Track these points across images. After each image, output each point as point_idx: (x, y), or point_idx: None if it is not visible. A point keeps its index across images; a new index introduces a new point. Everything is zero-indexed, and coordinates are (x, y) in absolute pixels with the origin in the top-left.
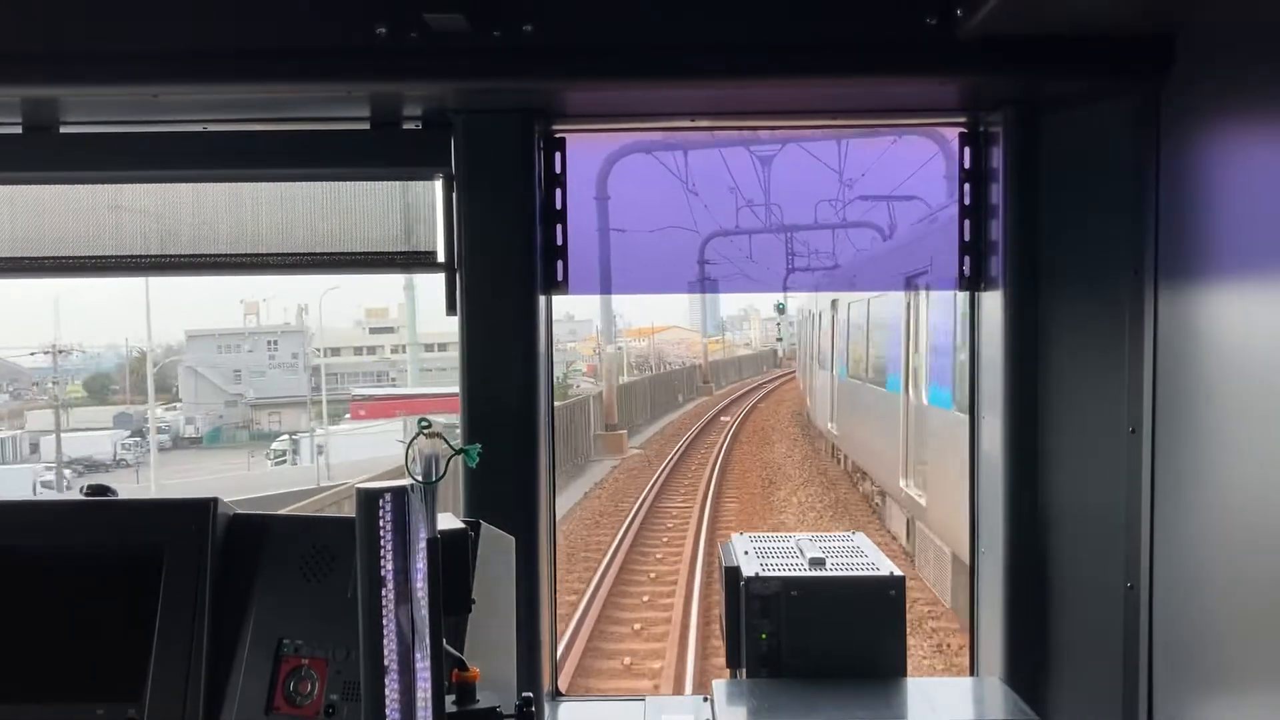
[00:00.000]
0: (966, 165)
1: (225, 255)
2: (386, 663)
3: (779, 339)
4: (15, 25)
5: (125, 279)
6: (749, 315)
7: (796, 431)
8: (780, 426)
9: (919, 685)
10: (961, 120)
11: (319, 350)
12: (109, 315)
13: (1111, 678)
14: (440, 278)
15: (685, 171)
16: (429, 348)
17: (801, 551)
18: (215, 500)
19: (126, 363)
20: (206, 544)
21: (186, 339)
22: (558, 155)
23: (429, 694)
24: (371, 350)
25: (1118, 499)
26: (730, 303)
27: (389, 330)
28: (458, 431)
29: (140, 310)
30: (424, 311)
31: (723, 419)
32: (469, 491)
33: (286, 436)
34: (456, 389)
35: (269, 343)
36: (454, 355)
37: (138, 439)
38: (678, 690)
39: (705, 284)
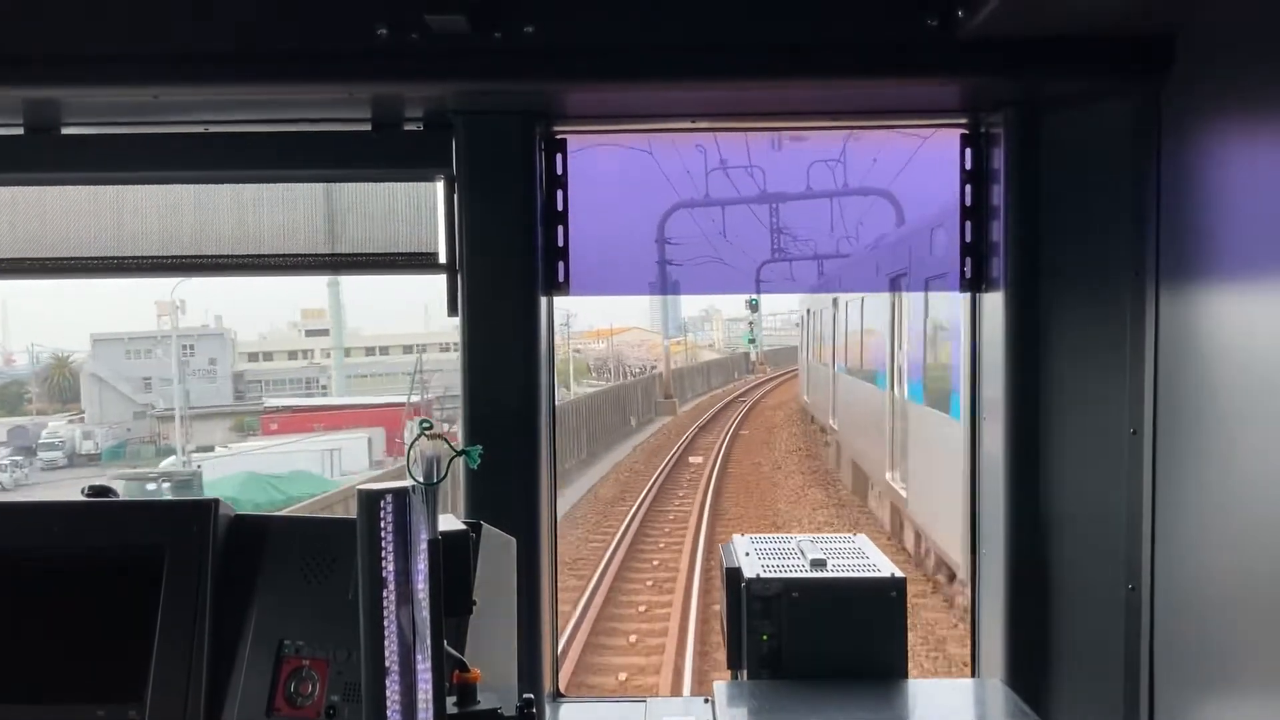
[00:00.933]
0: (967, 166)
1: (226, 256)
2: (388, 664)
3: (751, 340)
4: (17, 27)
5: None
6: (711, 316)
7: (820, 496)
8: (788, 475)
9: (920, 687)
10: (962, 121)
11: (258, 355)
12: (58, 318)
13: (1113, 679)
14: (426, 278)
15: (685, 172)
16: (369, 351)
17: (802, 553)
18: (216, 501)
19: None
20: (207, 545)
21: (92, 343)
22: (558, 156)
23: (430, 695)
24: (307, 354)
25: (1119, 501)
26: (691, 303)
27: (327, 333)
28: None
29: (90, 310)
30: (368, 311)
31: (693, 459)
32: (470, 493)
33: (174, 458)
34: (388, 399)
35: (184, 347)
36: (394, 360)
37: (19, 458)
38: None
39: (709, 285)
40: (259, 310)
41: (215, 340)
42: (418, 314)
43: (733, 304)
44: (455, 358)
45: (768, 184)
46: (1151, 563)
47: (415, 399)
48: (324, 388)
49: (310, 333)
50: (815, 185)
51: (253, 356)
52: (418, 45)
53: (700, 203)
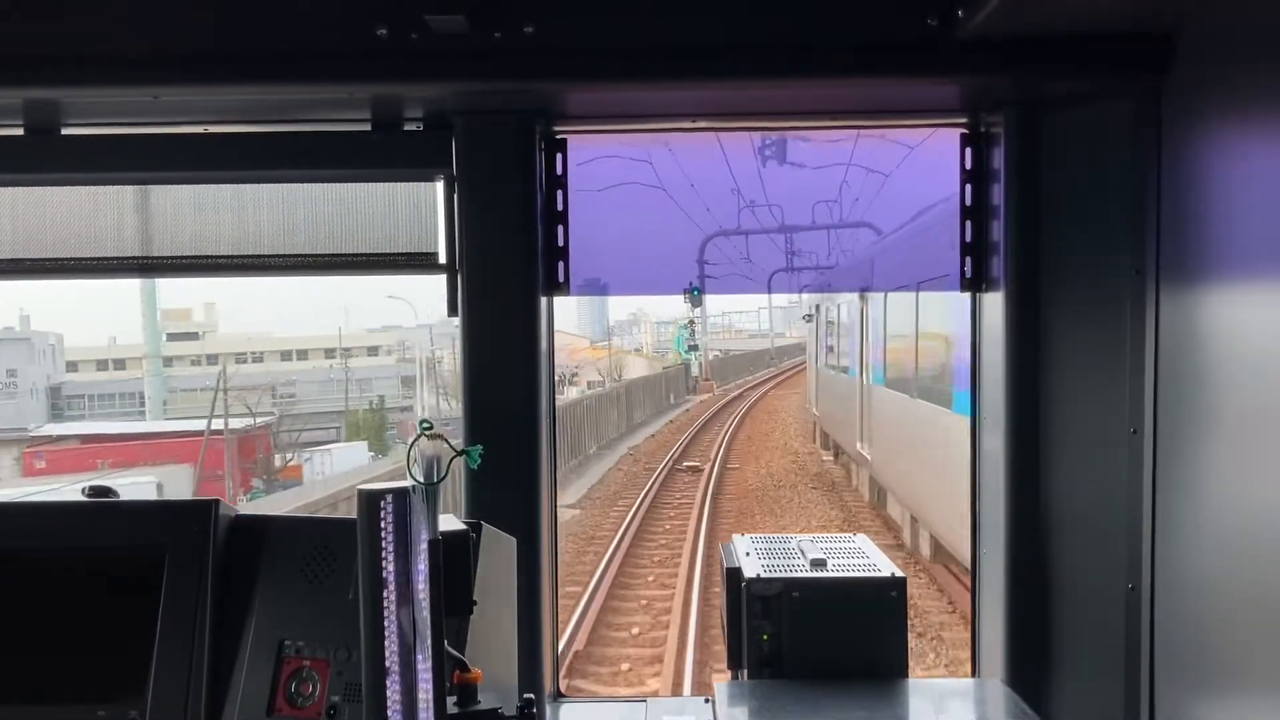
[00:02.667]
0: (968, 166)
1: (226, 257)
2: (388, 664)
3: (693, 346)
4: (17, 27)
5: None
6: (639, 319)
7: None
8: None
9: (920, 686)
10: (962, 121)
11: (107, 363)
12: None
13: (1113, 679)
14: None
15: (684, 172)
16: (240, 358)
17: (803, 553)
18: (216, 501)
19: None
20: (208, 545)
21: None
22: (558, 156)
23: (430, 695)
24: (168, 362)
25: (1119, 500)
26: (619, 306)
27: (192, 336)
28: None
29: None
30: (293, 312)
31: None
32: (470, 493)
33: None
34: (224, 422)
35: None
36: (267, 369)
37: None
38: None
39: (708, 284)
40: (122, 310)
41: (20, 346)
42: (392, 314)
43: (663, 306)
44: (324, 365)
45: (771, 180)
46: (1152, 562)
47: (239, 424)
48: (163, 404)
49: (174, 336)
50: (823, 180)
51: (101, 365)
52: (417, 45)
53: (696, 200)
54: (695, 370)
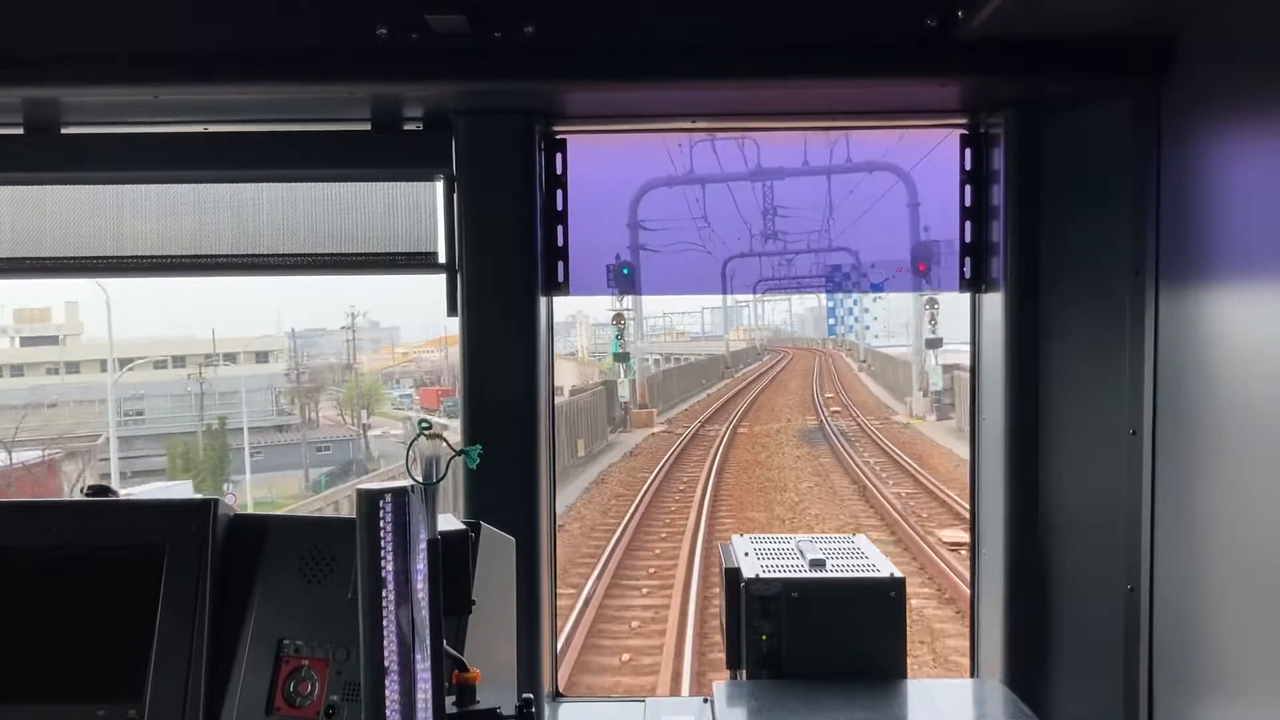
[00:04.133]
0: (967, 166)
1: (226, 256)
2: (387, 664)
3: (621, 356)
4: (17, 26)
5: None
6: (577, 320)
7: None
8: None
9: (919, 686)
10: (962, 121)
11: None
12: None
13: (1112, 680)
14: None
15: (686, 172)
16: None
17: (802, 553)
18: (216, 501)
19: None
20: (207, 544)
21: None
22: (558, 156)
23: (429, 695)
24: (19, 371)
25: (1118, 501)
26: (560, 307)
27: (51, 340)
28: None
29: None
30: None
31: None
32: (469, 493)
33: None
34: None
35: None
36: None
37: None
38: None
39: (648, 276)
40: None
41: None
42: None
43: (602, 308)
44: (178, 375)
45: (771, 183)
46: (1151, 563)
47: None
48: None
49: (28, 340)
50: (832, 181)
51: None
52: (418, 45)
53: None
54: (625, 392)
